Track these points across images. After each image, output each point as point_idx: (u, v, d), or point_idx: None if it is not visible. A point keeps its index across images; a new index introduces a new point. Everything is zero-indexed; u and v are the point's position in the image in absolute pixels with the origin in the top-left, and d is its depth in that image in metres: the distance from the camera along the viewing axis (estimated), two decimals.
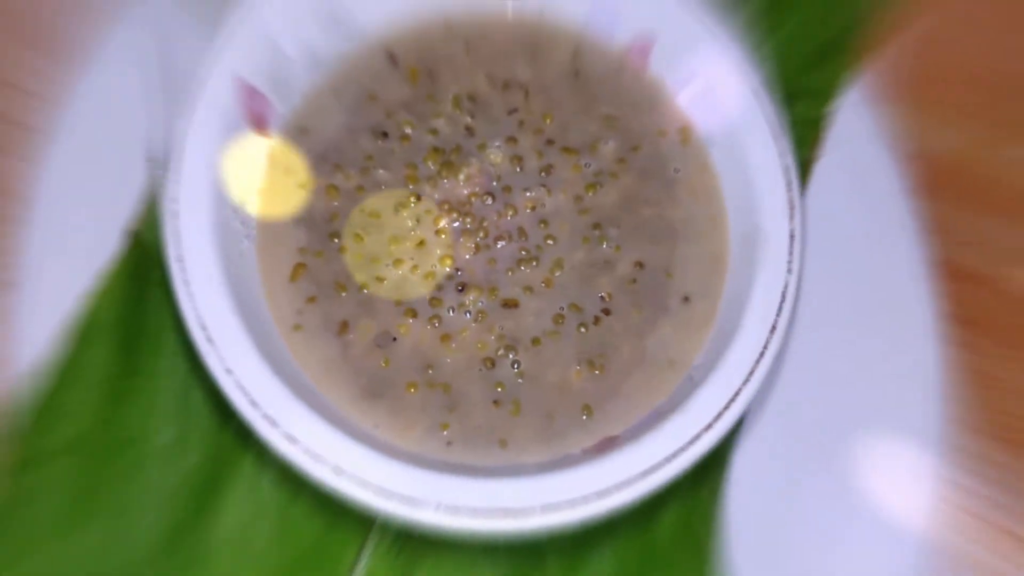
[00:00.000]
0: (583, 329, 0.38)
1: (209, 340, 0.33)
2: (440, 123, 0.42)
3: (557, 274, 0.39)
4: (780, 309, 0.35)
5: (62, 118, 0.42)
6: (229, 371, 0.32)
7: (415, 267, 0.39)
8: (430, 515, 0.31)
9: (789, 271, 0.36)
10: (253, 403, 0.32)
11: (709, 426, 0.34)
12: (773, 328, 0.35)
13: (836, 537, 0.40)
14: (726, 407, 0.34)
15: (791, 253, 0.36)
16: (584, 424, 0.37)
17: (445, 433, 0.36)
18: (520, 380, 0.37)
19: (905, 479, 0.41)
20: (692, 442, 0.33)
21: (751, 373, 0.34)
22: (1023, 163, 0.49)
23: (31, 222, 0.41)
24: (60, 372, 0.39)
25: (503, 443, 0.36)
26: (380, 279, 0.39)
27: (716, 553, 0.39)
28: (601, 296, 0.39)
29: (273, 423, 0.32)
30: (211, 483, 0.38)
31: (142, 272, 0.41)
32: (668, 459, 0.33)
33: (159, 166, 0.42)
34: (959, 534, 0.41)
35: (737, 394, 0.34)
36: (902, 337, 0.45)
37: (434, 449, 0.35)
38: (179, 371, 0.40)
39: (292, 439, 0.32)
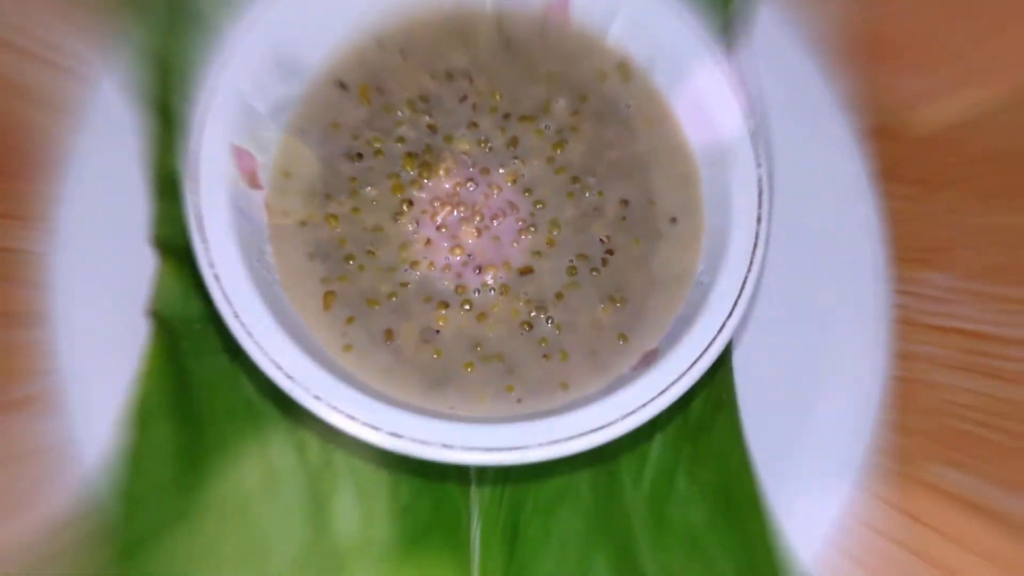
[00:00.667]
0: (595, 273, 0.43)
1: (290, 377, 0.36)
2: (404, 130, 0.45)
3: (556, 233, 0.43)
4: (760, 201, 0.40)
5: (55, 231, 0.44)
6: (318, 398, 0.35)
7: (431, 264, 0.42)
8: (537, 453, 0.35)
9: (759, 165, 0.41)
10: (351, 417, 0.35)
11: (730, 314, 0.39)
12: (759, 219, 0.40)
13: (815, 377, 0.46)
14: (739, 296, 0.39)
15: (756, 150, 0.41)
16: (624, 349, 0.41)
17: (512, 394, 0.40)
18: (558, 332, 0.41)
19: (860, 307, 0.48)
20: (719, 332, 0.38)
21: (751, 262, 0.39)
22: (895, 15, 0.55)
23: (56, 337, 0.43)
24: (132, 460, 0.41)
25: (564, 386, 0.40)
26: (404, 284, 0.42)
27: (737, 410, 0.44)
28: (600, 240, 0.43)
29: (376, 428, 0.35)
30: (316, 503, 0.41)
31: (173, 345, 0.43)
32: (705, 351, 0.38)
33: (165, 244, 0.44)
34: (904, 340, 0.48)
35: (744, 283, 0.39)
36: (843, 200, 0.51)
37: (509, 409, 0.39)
38: (240, 419, 0.42)
39: (397, 435, 0.35)
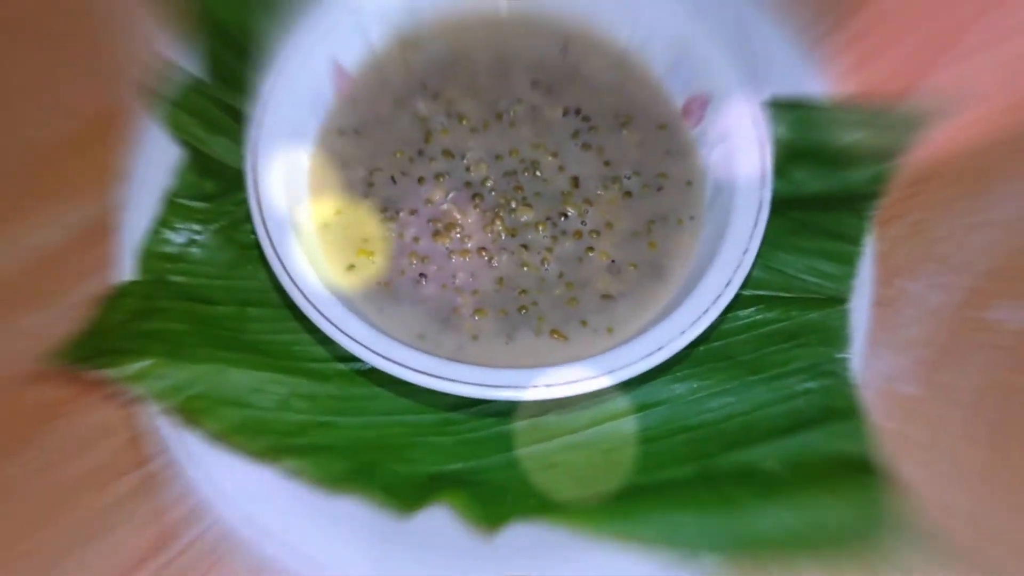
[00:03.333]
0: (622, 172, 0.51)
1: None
2: (410, 233, 0.49)
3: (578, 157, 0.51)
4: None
5: None
6: (461, 381, 0.42)
7: (544, 259, 0.48)
8: (680, 342, 0.42)
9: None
10: (575, 381, 0.42)
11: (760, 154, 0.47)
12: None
13: None
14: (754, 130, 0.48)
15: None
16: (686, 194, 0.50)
17: (661, 277, 0.48)
18: (655, 192, 0.50)
19: None
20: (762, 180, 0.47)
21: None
22: None
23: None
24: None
25: (665, 278, 0.48)
26: (543, 279, 0.47)
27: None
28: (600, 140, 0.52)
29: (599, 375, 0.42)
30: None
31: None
32: (762, 189, 0.46)
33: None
34: None
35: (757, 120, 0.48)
36: None
37: (641, 320, 0.46)
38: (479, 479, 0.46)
39: (611, 372, 0.42)
